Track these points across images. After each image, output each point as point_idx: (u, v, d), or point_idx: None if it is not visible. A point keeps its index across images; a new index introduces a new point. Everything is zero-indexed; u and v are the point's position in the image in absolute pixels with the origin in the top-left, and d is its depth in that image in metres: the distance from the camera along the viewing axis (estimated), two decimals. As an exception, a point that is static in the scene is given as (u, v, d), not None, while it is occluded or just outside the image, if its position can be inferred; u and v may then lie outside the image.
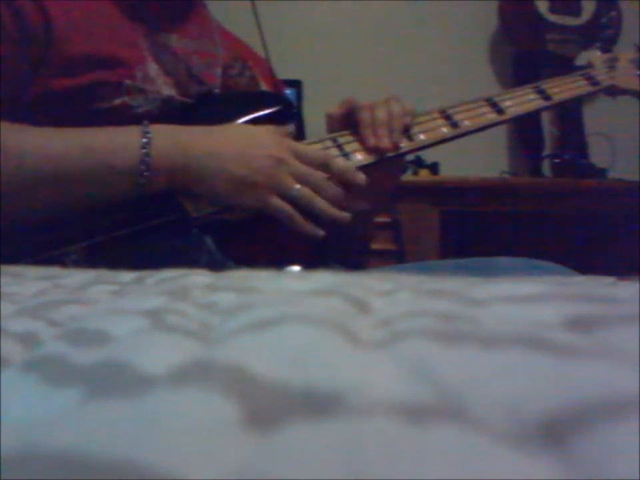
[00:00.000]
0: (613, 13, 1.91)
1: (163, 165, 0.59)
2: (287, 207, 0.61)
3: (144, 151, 0.58)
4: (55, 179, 0.57)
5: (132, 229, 0.59)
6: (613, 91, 0.88)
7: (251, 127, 0.68)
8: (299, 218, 0.62)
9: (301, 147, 0.66)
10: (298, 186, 0.62)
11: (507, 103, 0.77)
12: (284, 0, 1.89)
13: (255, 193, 0.61)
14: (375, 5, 1.98)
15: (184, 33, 0.76)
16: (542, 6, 1.89)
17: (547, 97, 0.79)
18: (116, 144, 0.59)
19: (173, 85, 0.69)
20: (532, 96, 0.79)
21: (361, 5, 1.97)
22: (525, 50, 1.92)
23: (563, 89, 0.81)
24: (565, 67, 0.85)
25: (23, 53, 0.64)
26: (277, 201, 0.61)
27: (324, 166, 0.64)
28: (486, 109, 0.76)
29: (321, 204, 0.62)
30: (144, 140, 0.58)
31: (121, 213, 0.59)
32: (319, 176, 0.63)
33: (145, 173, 0.58)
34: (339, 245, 0.83)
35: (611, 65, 0.88)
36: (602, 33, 1.87)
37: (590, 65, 0.89)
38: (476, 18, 2.00)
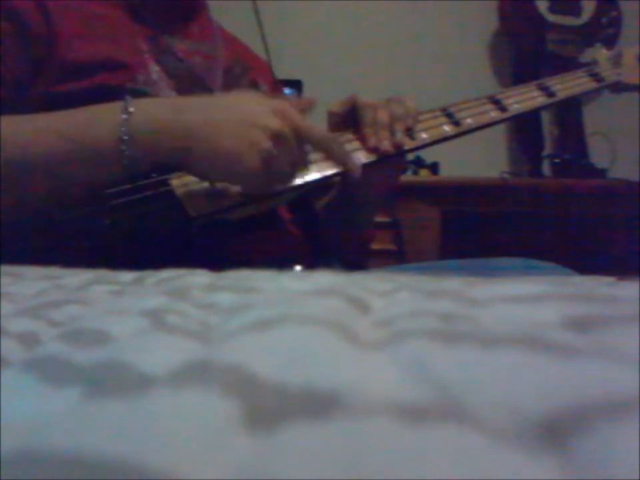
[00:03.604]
0: (613, 13, 1.91)
1: (146, 143, 0.56)
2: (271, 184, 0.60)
3: (123, 129, 0.55)
4: (31, 166, 0.55)
5: (132, 229, 0.59)
6: (618, 88, 0.88)
7: (247, 96, 0.64)
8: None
9: (303, 123, 0.61)
10: (287, 168, 0.60)
11: (510, 101, 0.76)
12: (285, 0, 1.89)
13: (244, 171, 0.57)
14: (375, 5, 1.98)
15: (186, 35, 0.76)
16: (542, 6, 1.89)
17: (550, 94, 0.79)
18: (92, 124, 0.57)
19: (173, 87, 0.69)
20: (535, 93, 0.78)
21: (361, 5, 1.97)
22: (525, 50, 1.92)
23: (567, 85, 0.81)
24: (565, 66, 0.84)
25: (23, 54, 0.64)
26: (264, 181, 0.59)
27: (325, 148, 0.62)
28: (489, 107, 0.75)
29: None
30: (123, 116, 0.56)
31: (121, 213, 0.59)
32: (297, 156, 0.60)
33: (127, 153, 0.55)
34: (339, 245, 0.83)
35: (616, 61, 0.88)
36: (602, 32, 1.87)
37: (595, 62, 0.88)
38: (476, 18, 2.00)
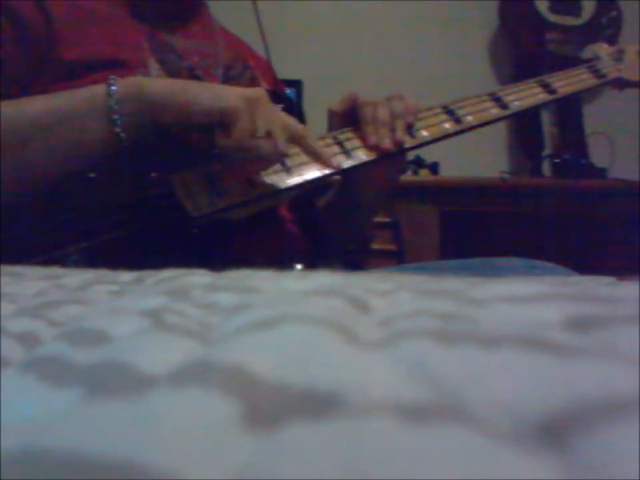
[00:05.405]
0: (613, 13, 1.91)
1: (130, 88, 0.57)
2: (250, 129, 0.57)
3: (112, 88, 0.57)
4: (27, 127, 0.56)
5: (132, 229, 0.59)
6: (619, 84, 0.88)
7: None
8: (248, 144, 0.58)
9: (283, 113, 0.63)
10: (265, 130, 0.58)
11: (511, 98, 0.76)
12: (285, 0, 1.89)
13: (231, 102, 0.57)
14: (375, 5, 1.98)
15: (186, 33, 0.76)
16: (542, 6, 1.90)
17: (551, 91, 0.78)
18: (80, 92, 0.58)
19: None
20: (536, 90, 0.78)
21: (361, 5, 1.98)
22: (525, 50, 1.92)
23: (568, 82, 0.80)
24: (565, 66, 0.84)
25: (23, 54, 0.64)
26: (247, 118, 0.57)
27: (292, 137, 0.62)
28: (489, 104, 0.75)
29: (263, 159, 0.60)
30: (111, 85, 0.57)
31: (121, 213, 0.59)
32: (282, 144, 0.60)
33: (115, 107, 0.56)
34: (339, 245, 0.83)
35: (618, 57, 0.87)
36: (602, 32, 1.87)
37: (596, 58, 0.88)
38: (476, 18, 2.00)
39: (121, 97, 0.57)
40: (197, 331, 0.16)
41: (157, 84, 0.59)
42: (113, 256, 0.57)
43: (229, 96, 0.58)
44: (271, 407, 0.10)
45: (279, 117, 0.61)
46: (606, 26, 1.89)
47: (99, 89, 0.57)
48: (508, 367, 0.11)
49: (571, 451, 0.09)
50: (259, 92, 0.61)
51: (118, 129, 0.56)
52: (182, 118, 0.57)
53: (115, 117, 0.56)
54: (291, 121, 0.62)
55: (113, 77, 0.58)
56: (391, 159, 0.70)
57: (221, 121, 0.57)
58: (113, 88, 0.57)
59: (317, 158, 0.64)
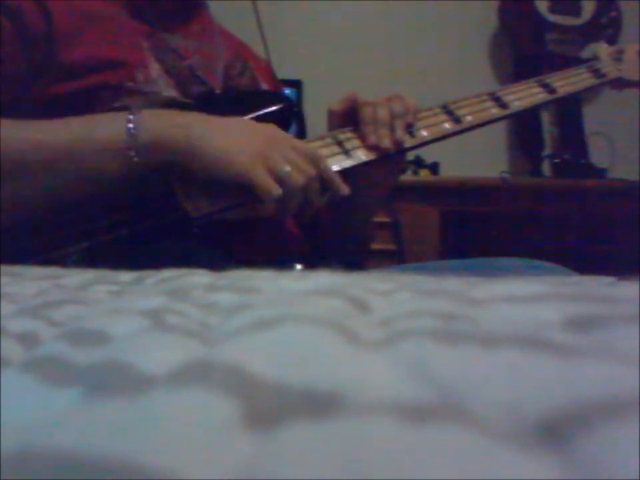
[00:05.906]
0: (613, 13, 1.91)
1: (150, 136, 0.58)
2: (271, 180, 0.59)
3: (130, 125, 0.58)
4: (39, 162, 0.57)
5: (132, 229, 0.59)
6: (619, 84, 0.88)
7: (246, 120, 0.67)
8: (277, 192, 0.58)
9: (295, 139, 0.64)
10: (288, 167, 0.59)
11: (511, 97, 0.76)
12: (285, 0, 1.89)
13: (243, 161, 0.59)
14: (375, 5, 1.98)
15: (186, 33, 0.76)
16: (542, 6, 1.89)
17: (551, 90, 0.78)
18: (100, 122, 0.59)
19: (174, 85, 0.69)
20: (536, 89, 0.78)
21: (361, 5, 1.97)
22: (525, 50, 1.92)
23: (568, 81, 0.80)
24: (565, 66, 0.84)
25: (23, 54, 0.64)
26: (262, 173, 0.58)
27: (313, 161, 0.62)
28: (489, 104, 0.75)
29: (300, 194, 0.61)
30: (130, 117, 0.58)
31: (121, 213, 0.59)
32: (308, 169, 0.61)
33: (132, 145, 0.57)
34: (339, 245, 0.83)
35: (617, 57, 0.87)
36: (602, 32, 1.87)
37: (596, 57, 0.88)
38: (476, 18, 2.00)
39: (141, 145, 0.57)
40: (196, 331, 0.16)
41: (175, 137, 0.59)
42: (113, 256, 0.57)
43: (242, 161, 0.59)
44: (271, 407, 0.10)
45: (296, 148, 0.62)
46: (606, 26, 1.89)
47: (120, 134, 0.58)
48: (508, 367, 0.11)
49: (570, 450, 0.09)
50: (272, 130, 0.62)
51: (135, 161, 0.58)
52: (198, 172, 0.60)
53: (134, 163, 0.58)
54: (306, 147, 0.63)
55: (132, 120, 0.58)
56: (390, 159, 0.70)
57: (240, 183, 0.59)
58: (133, 131, 0.57)
59: (332, 183, 0.65)
